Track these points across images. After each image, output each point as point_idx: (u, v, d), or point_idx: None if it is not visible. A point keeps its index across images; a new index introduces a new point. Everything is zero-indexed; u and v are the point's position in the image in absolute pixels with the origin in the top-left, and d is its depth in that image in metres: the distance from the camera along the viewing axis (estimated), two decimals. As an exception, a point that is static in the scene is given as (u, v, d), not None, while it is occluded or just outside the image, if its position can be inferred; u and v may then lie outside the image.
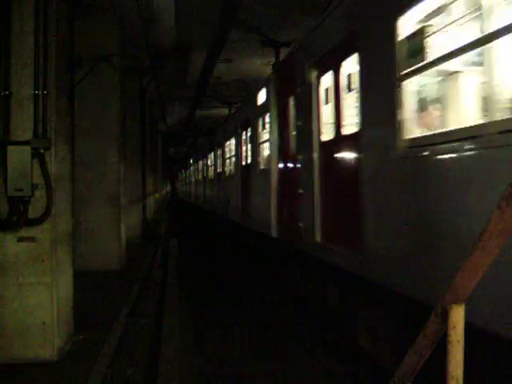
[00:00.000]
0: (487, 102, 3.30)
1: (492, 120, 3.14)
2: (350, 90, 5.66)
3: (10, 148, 4.39)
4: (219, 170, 17.37)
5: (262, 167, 9.96)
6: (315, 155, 6.32)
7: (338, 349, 5.59)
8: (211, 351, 5.70)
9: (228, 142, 15.30)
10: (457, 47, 3.44)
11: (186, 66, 15.90)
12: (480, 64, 3.40)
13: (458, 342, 1.84)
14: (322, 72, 6.20)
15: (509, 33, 2.95)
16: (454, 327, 1.84)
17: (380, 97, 4.60)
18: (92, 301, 6.62)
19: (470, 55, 3.51)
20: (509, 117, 3.03)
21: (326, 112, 6.20)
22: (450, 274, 2.01)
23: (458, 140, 3.43)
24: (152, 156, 22.33)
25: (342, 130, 5.64)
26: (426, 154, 3.83)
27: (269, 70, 11.41)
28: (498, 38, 3.04)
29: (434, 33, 4.09)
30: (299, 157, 7.21)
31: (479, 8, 3.34)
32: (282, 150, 8.29)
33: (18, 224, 4.42)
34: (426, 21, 4.16)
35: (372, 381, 4.69)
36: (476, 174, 3.24)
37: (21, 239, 4.45)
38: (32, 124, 4.45)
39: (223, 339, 6.13)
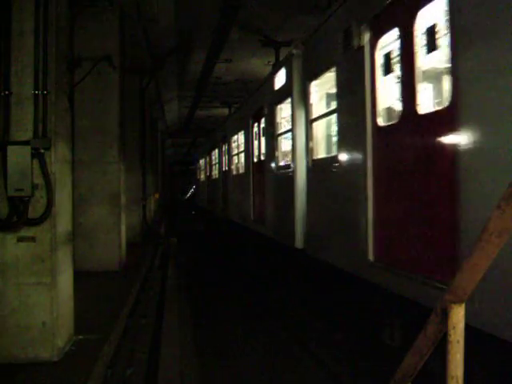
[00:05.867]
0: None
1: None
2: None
3: (10, 148, 4.37)
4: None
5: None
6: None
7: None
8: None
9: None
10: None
11: (185, 66, 15.90)
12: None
13: (458, 342, 1.84)
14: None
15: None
16: (454, 327, 1.84)
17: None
18: (92, 301, 6.61)
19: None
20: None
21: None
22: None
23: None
24: (152, 156, 22.30)
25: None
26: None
27: (268, 70, 11.41)
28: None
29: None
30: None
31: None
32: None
33: (17, 224, 4.42)
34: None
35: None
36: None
37: (21, 239, 4.44)
38: (32, 124, 4.44)
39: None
